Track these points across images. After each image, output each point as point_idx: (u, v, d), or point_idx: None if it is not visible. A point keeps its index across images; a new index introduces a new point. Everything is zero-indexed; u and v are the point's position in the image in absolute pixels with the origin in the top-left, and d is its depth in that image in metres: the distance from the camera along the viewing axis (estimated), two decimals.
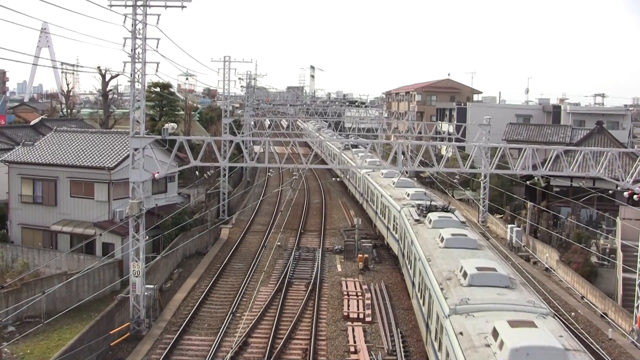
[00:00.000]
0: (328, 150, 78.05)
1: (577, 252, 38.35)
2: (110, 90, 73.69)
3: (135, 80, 28.48)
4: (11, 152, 44.17)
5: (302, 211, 57.38)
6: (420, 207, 33.58)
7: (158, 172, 29.25)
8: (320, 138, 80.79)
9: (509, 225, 46.56)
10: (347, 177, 65.21)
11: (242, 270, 38.58)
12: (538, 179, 46.71)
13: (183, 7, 28.09)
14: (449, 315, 18.26)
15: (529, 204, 47.59)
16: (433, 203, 34.61)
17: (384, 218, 42.26)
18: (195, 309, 31.30)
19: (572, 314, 30.94)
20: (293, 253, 42.01)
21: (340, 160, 63.75)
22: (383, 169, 48.61)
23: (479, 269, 21.00)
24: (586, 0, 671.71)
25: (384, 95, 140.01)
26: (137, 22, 27.75)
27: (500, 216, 51.86)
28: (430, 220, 30.40)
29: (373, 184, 47.75)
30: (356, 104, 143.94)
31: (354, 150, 63.32)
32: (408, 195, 39.76)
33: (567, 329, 18.09)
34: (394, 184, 44.63)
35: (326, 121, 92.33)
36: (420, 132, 65.55)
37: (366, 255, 39.95)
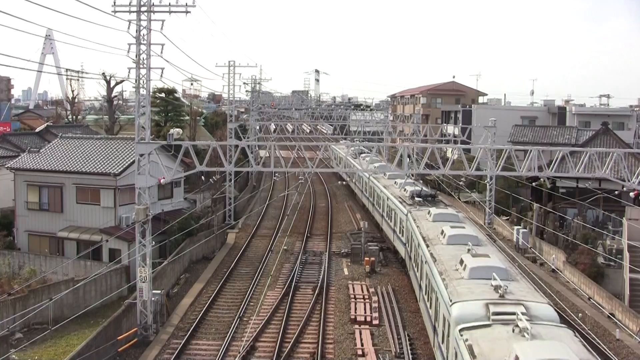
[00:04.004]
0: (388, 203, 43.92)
1: (583, 253, 38.26)
2: (115, 96, 73.67)
3: (140, 86, 28.56)
4: (17, 159, 44.27)
5: (309, 215, 57.36)
6: None
7: (164, 178, 29.31)
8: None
9: (515, 227, 46.46)
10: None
11: (249, 275, 38.61)
12: (544, 181, 46.62)
13: (187, 12, 28.15)
14: None
15: (535, 205, 47.51)
16: None
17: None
18: (203, 314, 31.34)
19: (580, 314, 30.84)
20: (300, 257, 42.04)
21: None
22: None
23: None
24: (589, 3, 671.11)
25: (389, 99, 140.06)
26: (142, 28, 27.87)
27: (506, 218, 51.73)
28: None
29: (436, 281, 23.38)
30: (361, 107, 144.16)
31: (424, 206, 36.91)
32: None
33: None
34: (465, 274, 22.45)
35: (331, 124, 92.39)
36: (425, 135, 65.50)
37: (373, 259, 39.92)
